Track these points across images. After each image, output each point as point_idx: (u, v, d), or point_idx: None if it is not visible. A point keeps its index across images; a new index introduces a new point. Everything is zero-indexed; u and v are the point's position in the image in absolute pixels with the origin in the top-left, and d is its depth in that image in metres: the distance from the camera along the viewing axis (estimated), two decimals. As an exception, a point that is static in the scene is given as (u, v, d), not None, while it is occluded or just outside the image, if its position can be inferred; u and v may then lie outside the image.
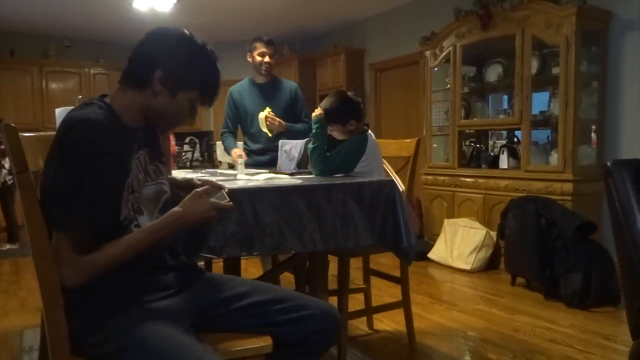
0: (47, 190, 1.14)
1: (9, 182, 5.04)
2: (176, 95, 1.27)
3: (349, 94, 2.43)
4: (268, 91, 3.17)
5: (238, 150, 3.03)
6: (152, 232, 1.23)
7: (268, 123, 2.96)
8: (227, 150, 3.18)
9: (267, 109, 2.99)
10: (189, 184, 1.52)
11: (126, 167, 1.22)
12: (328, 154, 2.24)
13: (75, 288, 1.14)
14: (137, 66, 1.27)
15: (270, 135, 3.02)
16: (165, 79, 1.24)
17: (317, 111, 2.27)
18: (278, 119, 2.97)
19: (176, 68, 1.25)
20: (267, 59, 3.12)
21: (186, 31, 1.30)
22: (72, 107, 1.31)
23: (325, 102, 2.31)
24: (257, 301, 1.35)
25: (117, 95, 1.28)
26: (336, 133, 2.35)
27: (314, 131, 2.25)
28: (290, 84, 3.32)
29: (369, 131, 2.39)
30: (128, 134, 1.25)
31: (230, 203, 1.34)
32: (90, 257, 1.14)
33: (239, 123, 3.26)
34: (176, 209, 1.27)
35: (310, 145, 2.25)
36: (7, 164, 5.04)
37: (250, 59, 3.18)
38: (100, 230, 1.16)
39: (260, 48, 3.11)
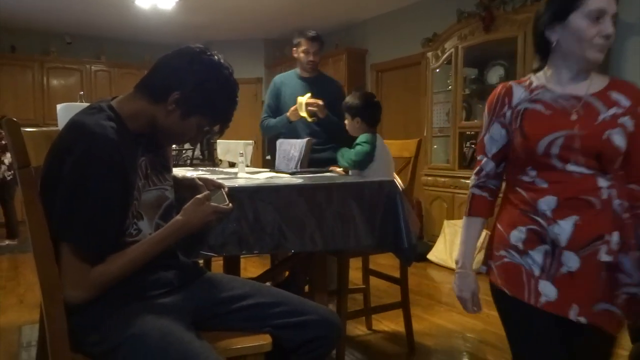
0: (49, 197, 1.13)
1: (8, 178, 5.03)
2: (187, 118, 1.25)
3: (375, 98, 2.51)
4: (312, 85, 3.07)
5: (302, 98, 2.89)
6: (156, 243, 1.23)
7: (309, 109, 2.86)
8: (280, 122, 3.05)
9: (308, 94, 2.90)
10: (190, 183, 1.52)
11: (133, 182, 1.21)
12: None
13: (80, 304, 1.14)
14: (157, 80, 1.24)
15: (309, 120, 2.92)
16: (181, 102, 1.22)
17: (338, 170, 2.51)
18: (320, 101, 2.87)
19: (196, 95, 1.22)
20: (311, 57, 3.03)
21: (216, 57, 1.26)
22: (77, 104, 1.30)
23: (350, 95, 2.49)
24: (257, 303, 1.34)
25: (127, 99, 1.26)
26: (347, 123, 2.48)
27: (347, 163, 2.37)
28: (335, 81, 3.25)
29: (377, 134, 2.43)
30: (132, 141, 1.23)
31: (230, 205, 1.34)
32: (95, 273, 1.14)
33: (280, 114, 3.17)
34: (178, 217, 1.27)
35: (350, 160, 2.35)
36: (6, 159, 5.03)
37: (295, 55, 3.11)
38: (105, 243, 1.16)
39: (305, 45, 3.02)
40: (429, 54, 4.84)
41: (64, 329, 1.11)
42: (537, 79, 1.31)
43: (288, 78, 3.18)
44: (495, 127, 1.32)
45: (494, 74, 4.42)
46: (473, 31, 4.36)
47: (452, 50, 4.56)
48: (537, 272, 1.20)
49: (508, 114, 1.29)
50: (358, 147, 2.33)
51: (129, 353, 1.11)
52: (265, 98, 3.21)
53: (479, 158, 1.37)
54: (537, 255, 1.21)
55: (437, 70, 4.83)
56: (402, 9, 5.75)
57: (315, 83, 3.09)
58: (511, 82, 1.33)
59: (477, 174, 1.37)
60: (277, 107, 3.16)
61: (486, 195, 1.36)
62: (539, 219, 1.21)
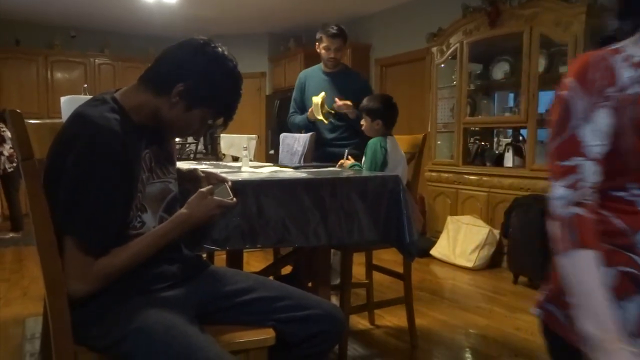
0: (53, 189, 1.12)
1: (9, 170, 5.02)
2: (191, 111, 1.24)
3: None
4: (335, 80, 3.05)
5: (318, 97, 2.86)
6: (160, 236, 1.23)
7: (337, 107, 2.83)
8: (302, 121, 3.05)
9: (322, 94, 2.85)
10: (193, 176, 1.52)
11: (136, 174, 1.21)
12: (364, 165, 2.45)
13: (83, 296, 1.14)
14: (161, 72, 1.24)
15: (325, 122, 2.89)
16: (185, 94, 1.21)
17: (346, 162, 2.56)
18: (349, 102, 2.83)
19: (200, 87, 1.21)
20: (332, 54, 2.98)
21: (220, 49, 1.25)
22: (81, 96, 1.29)
23: (369, 98, 2.52)
24: (261, 297, 1.34)
25: (130, 91, 1.25)
26: (365, 125, 2.50)
27: (356, 167, 2.48)
28: (359, 75, 3.23)
29: (389, 137, 2.45)
30: (136, 134, 1.22)
31: (234, 199, 1.34)
32: (99, 266, 1.14)
33: (305, 109, 3.16)
34: (182, 210, 1.26)
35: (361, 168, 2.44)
36: (5, 151, 5.01)
37: (317, 50, 3.07)
38: (108, 236, 1.16)
39: (326, 42, 2.97)
40: (434, 49, 4.82)
41: (68, 322, 1.11)
42: (636, 48, 0.89)
43: (312, 73, 3.17)
44: (603, 115, 0.85)
45: (499, 70, 4.40)
46: (478, 26, 4.33)
47: (457, 45, 4.53)
48: (630, 330, 0.84)
49: (615, 98, 0.86)
50: (371, 164, 2.39)
51: (132, 346, 1.11)
52: (293, 93, 3.23)
53: (569, 163, 0.87)
54: (632, 307, 0.84)
55: (442, 65, 4.81)
56: (407, 4, 5.72)
57: (339, 78, 3.07)
58: (604, 53, 0.89)
59: (573, 186, 0.86)
60: (302, 101, 3.16)
61: (592, 218, 0.86)
62: (636, 257, 0.85)
